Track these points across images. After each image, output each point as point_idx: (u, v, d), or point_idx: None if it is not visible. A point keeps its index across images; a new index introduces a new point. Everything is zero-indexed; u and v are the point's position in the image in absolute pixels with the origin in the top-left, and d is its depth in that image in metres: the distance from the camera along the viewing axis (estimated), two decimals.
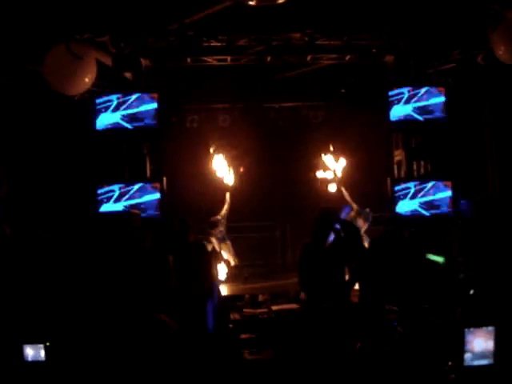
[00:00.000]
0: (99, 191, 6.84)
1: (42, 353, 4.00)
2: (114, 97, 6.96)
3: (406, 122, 7.17)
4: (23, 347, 4.02)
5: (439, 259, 5.25)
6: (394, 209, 6.96)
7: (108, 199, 6.82)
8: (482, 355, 2.89)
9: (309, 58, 8.07)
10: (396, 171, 7.99)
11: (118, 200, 6.83)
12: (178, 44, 7.50)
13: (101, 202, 6.80)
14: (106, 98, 6.95)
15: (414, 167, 7.71)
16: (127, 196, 6.84)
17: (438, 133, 7.49)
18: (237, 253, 8.64)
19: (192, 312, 5.01)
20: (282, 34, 7.54)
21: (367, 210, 7.98)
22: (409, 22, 7.23)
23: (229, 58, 7.99)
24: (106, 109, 6.90)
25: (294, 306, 6.25)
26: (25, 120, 7.69)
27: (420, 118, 7.13)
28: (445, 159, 7.60)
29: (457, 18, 6.87)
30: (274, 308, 6.27)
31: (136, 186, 6.87)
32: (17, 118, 7.58)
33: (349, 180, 8.66)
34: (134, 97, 6.93)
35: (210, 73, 8.61)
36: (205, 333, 5.00)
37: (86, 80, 6.75)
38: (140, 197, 6.84)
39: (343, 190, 8.32)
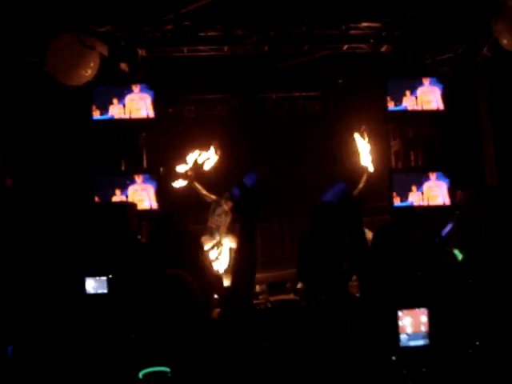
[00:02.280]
0: (96, 182, 6.81)
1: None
2: (110, 88, 6.91)
3: (404, 112, 7.14)
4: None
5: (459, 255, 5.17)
6: (392, 199, 6.94)
7: (104, 190, 6.79)
8: (417, 336, 2.93)
9: (306, 47, 8.03)
10: (393, 162, 7.99)
11: (114, 191, 6.80)
12: (175, 34, 7.45)
13: (97, 193, 6.76)
14: (102, 89, 6.91)
15: (412, 158, 7.71)
16: (123, 187, 6.81)
17: (435, 123, 7.48)
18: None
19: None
20: (279, 24, 7.50)
21: None
22: (406, 12, 7.20)
23: (226, 48, 7.95)
24: (103, 100, 6.85)
25: (291, 296, 6.26)
26: (22, 111, 7.63)
27: (417, 108, 7.10)
28: (442, 150, 7.59)
29: (455, 8, 6.84)
30: (272, 299, 6.28)
31: (132, 177, 6.84)
32: (14, 109, 7.54)
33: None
34: (130, 87, 6.88)
35: (206, 63, 8.55)
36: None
37: (89, 71, 6.72)
38: (137, 188, 6.82)
39: None
